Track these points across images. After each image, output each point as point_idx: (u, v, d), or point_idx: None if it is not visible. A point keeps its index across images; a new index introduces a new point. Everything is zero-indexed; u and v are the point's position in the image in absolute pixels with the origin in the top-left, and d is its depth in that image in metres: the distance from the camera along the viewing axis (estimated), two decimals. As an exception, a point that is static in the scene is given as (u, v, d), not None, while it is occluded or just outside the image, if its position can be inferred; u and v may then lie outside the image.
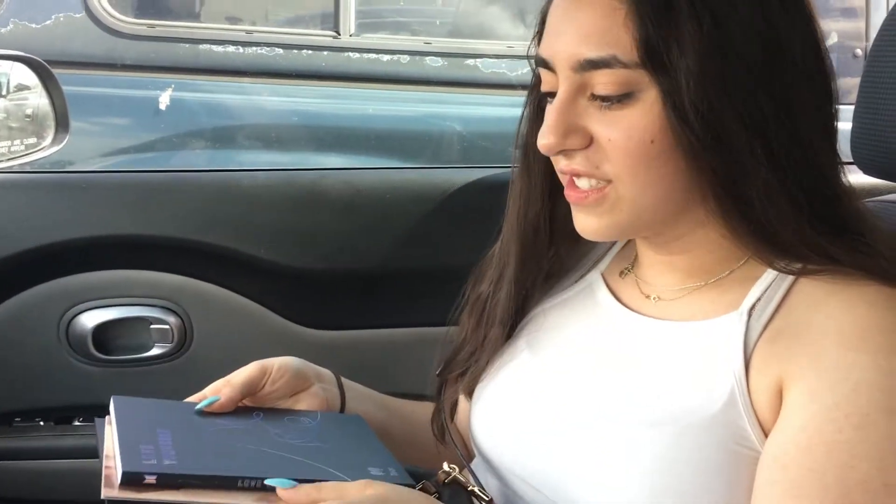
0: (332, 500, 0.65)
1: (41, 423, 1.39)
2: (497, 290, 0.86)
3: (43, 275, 1.35)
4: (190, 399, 0.83)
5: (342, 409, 0.90)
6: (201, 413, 0.81)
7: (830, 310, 0.67)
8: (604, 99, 0.69)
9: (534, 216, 0.82)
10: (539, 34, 0.76)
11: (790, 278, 0.71)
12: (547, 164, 0.78)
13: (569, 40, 0.70)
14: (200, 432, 0.78)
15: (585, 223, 0.74)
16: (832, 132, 0.72)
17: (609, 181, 0.71)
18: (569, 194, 0.74)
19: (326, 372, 0.92)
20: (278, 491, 0.68)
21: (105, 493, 0.68)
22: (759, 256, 0.71)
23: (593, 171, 0.72)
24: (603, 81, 0.69)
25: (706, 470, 0.67)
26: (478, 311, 0.88)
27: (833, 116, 0.72)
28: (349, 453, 0.78)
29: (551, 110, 0.71)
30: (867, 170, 0.91)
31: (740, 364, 0.69)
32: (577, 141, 0.71)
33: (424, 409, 0.97)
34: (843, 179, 0.73)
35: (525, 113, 0.82)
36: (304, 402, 0.87)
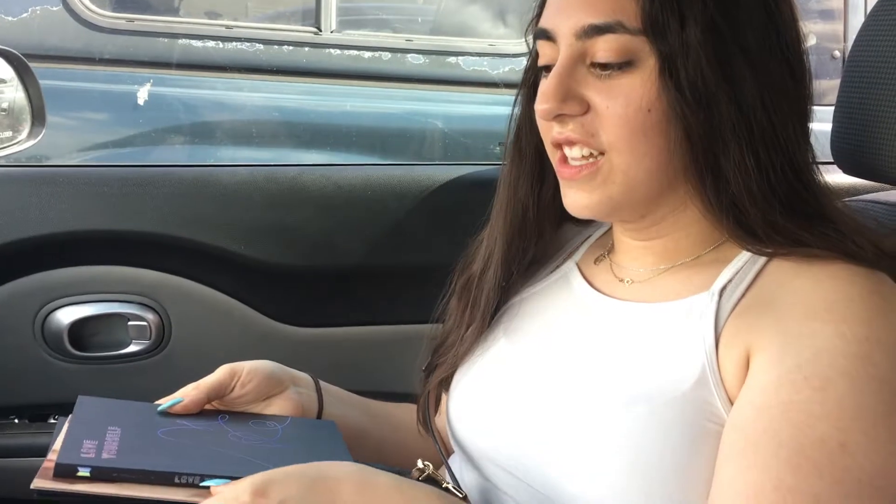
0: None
1: (16, 420, 1.38)
2: (484, 272, 0.87)
3: (18, 270, 1.33)
4: (158, 402, 0.83)
5: (320, 414, 0.89)
6: (164, 414, 0.81)
7: (798, 286, 0.69)
8: (604, 67, 0.71)
9: (523, 196, 0.84)
10: (538, 17, 0.78)
11: (761, 262, 0.72)
12: (538, 147, 0.80)
13: (575, 7, 0.73)
14: (153, 431, 0.77)
15: (576, 199, 0.75)
16: (806, 126, 0.75)
17: (602, 152, 0.73)
18: (561, 171, 0.76)
19: (303, 376, 0.91)
20: (212, 489, 0.68)
21: (35, 482, 0.68)
22: (732, 237, 0.73)
23: (588, 140, 0.73)
24: (604, 48, 0.71)
25: (679, 446, 0.68)
26: (466, 295, 0.88)
27: (808, 112, 0.75)
28: (305, 455, 0.77)
29: (551, 77, 0.73)
30: (847, 169, 0.92)
31: (711, 342, 0.70)
32: (575, 107, 0.73)
33: (405, 411, 0.97)
34: (818, 174, 0.75)
35: (515, 104, 0.83)
36: (276, 406, 0.86)
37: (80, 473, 0.68)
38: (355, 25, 2.42)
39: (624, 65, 0.71)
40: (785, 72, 0.72)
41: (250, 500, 0.63)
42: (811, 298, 0.68)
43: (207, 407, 0.85)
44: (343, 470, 0.68)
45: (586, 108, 0.73)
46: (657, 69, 0.70)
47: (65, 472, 0.69)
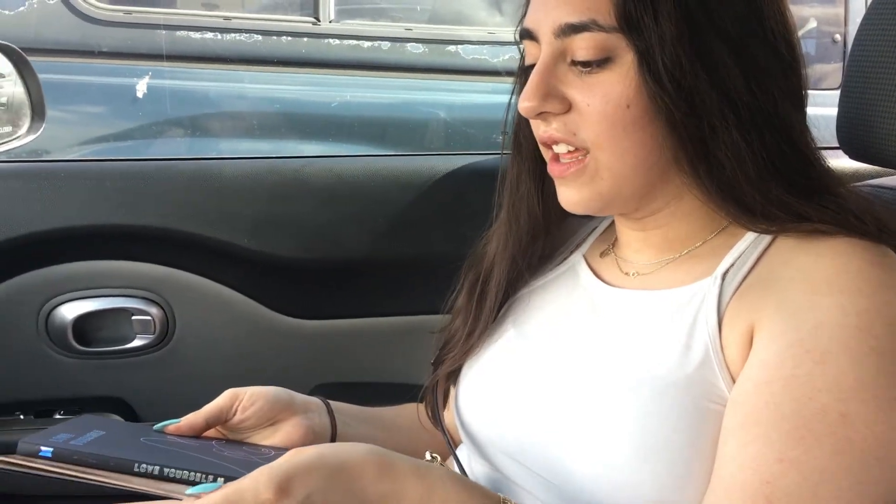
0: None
1: (21, 416, 1.37)
2: (492, 268, 0.87)
3: (21, 266, 1.33)
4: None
5: (334, 436, 0.87)
6: (158, 433, 0.80)
7: (799, 262, 0.69)
8: (583, 64, 0.72)
9: (525, 193, 0.85)
10: (524, 16, 0.78)
11: (764, 243, 0.73)
12: (535, 142, 0.80)
13: (553, 6, 0.73)
14: (136, 438, 0.76)
15: (568, 196, 0.76)
16: (802, 106, 0.75)
17: (587, 150, 0.73)
18: (551, 168, 0.77)
19: (314, 400, 0.89)
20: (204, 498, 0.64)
21: None
22: (734, 220, 0.73)
23: (570, 138, 0.74)
24: (582, 46, 0.71)
25: (685, 428, 0.68)
26: (474, 291, 0.88)
27: (802, 94, 0.75)
28: None
29: (532, 75, 0.74)
30: (853, 154, 0.91)
31: (714, 323, 0.70)
32: (556, 105, 0.73)
33: (411, 414, 0.96)
34: (821, 157, 0.75)
35: (514, 93, 0.83)
36: (283, 433, 0.83)
37: (41, 454, 0.70)
38: (354, 15, 2.41)
39: (603, 62, 0.71)
40: (770, 56, 0.72)
41: (273, 497, 0.61)
42: (812, 273, 0.68)
43: (211, 433, 0.83)
44: (361, 453, 0.66)
45: (568, 106, 0.73)
46: (635, 64, 0.70)
47: (27, 451, 0.70)
